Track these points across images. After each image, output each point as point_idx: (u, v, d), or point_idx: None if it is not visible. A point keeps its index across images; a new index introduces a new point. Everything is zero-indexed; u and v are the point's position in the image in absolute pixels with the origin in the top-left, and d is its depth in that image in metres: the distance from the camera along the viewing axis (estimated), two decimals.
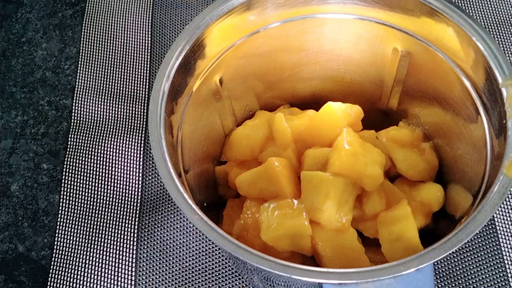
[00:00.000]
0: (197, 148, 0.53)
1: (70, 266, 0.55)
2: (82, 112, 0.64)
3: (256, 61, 0.56)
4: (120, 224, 0.57)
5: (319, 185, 0.48)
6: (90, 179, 0.59)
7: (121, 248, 0.55)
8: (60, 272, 0.55)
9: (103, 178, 0.59)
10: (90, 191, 0.59)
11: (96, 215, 0.57)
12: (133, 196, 0.58)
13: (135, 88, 0.65)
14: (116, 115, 0.63)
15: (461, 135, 0.51)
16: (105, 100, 0.64)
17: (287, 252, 0.49)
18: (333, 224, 0.48)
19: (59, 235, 0.57)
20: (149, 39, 0.68)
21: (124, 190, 0.59)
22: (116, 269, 0.54)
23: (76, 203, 0.58)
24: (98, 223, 0.57)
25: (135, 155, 0.60)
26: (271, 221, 0.48)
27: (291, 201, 0.48)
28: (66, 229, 0.57)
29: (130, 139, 0.61)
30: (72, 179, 0.60)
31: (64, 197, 0.59)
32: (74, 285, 0.54)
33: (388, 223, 0.50)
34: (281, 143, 0.54)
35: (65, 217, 0.58)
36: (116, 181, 0.59)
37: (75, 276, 0.54)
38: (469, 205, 0.45)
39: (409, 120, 0.58)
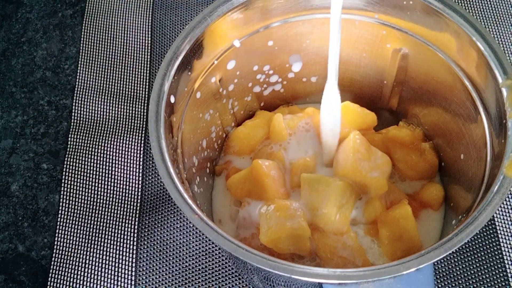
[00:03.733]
0: (197, 148, 0.53)
1: (70, 266, 0.55)
2: (82, 112, 0.64)
3: (256, 61, 0.56)
4: (120, 224, 0.57)
5: (319, 188, 0.48)
6: (90, 179, 0.59)
7: (121, 248, 0.55)
8: (60, 272, 0.55)
9: (103, 178, 0.59)
10: (90, 191, 0.59)
11: (96, 215, 0.57)
12: (133, 196, 0.58)
13: (135, 88, 0.65)
14: (116, 115, 0.63)
15: (461, 135, 0.51)
16: (105, 100, 0.64)
17: (287, 254, 0.50)
18: (333, 227, 0.48)
19: (59, 235, 0.57)
20: (149, 39, 0.68)
21: (124, 190, 0.59)
22: (116, 269, 0.54)
23: (76, 203, 0.58)
24: (98, 223, 0.57)
25: (135, 155, 0.60)
26: (269, 223, 0.48)
27: (289, 203, 0.49)
28: (66, 229, 0.57)
29: (130, 139, 0.61)
30: (72, 179, 0.60)
31: (64, 197, 0.59)
32: (74, 285, 0.54)
33: (389, 223, 0.50)
34: (277, 143, 0.55)
35: (65, 217, 0.58)
36: (116, 181, 0.59)
37: (75, 276, 0.54)
38: (469, 205, 0.45)
39: (409, 120, 0.58)
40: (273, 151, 0.54)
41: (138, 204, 0.58)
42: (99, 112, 0.63)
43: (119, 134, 0.62)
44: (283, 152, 0.54)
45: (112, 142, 0.61)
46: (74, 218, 0.57)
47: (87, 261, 0.55)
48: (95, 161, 0.60)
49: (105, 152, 0.61)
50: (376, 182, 0.49)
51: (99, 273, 0.54)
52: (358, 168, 0.49)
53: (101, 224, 0.57)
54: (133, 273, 0.54)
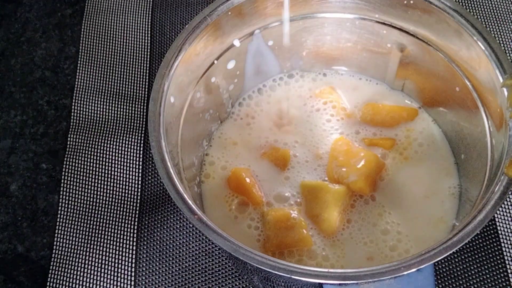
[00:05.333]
0: (197, 148, 0.53)
1: (70, 267, 0.55)
2: (81, 112, 0.64)
3: (256, 61, 0.56)
4: (119, 224, 0.57)
5: (319, 194, 0.49)
6: (90, 179, 0.59)
7: (120, 248, 0.55)
8: (59, 272, 0.55)
9: (103, 178, 0.59)
10: (89, 191, 0.59)
11: (96, 215, 0.57)
12: (132, 196, 0.58)
13: (135, 87, 0.65)
14: (115, 115, 0.63)
15: (462, 135, 0.51)
16: (105, 100, 0.64)
17: None
18: (333, 230, 0.48)
19: (59, 235, 0.57)
20: (149, 38, 0.68)
21: (123, 190, 0.58)
22: (116, 269, 0.54)
23: (76, 203, 0.58)
24: (98, 223, 0.57)
25: (134, 155, 0.60)
26: (270, 235, 0.48)
27: (289, 212, 0.49)
28: (66, 229, 0.57)
29: (130, 139, 0.61)
30: (72, 179, 0.59)
31: (64, 197, 0.59)
32: (73, 285, 0.54)
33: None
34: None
35: (65, 217, 0.57)
36: (115, 181, 0.59)
37: (75, 277, 0.54)
38: (470, 205, 0.45)
39: None
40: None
41: (138, 204, 0.58)
42: (98, 112, 0.63)
43: (119, 134, 0.62)
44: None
45: (111, 142, 0.61)
46: (74, 218, 0.57)
47: (87, 262, 0.55)
48: (95, 161, 0.60)
49: (105, 152, 0.60)
50: (354, 185, 0.50)
51: (99, 274, 0.54)
52: (335, 177, 0.51)
53: (101, 224, 0.57)
54: (133, 273, 0.54)
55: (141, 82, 0.65)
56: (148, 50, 0.67)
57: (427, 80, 0.54)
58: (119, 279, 0.54)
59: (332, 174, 0.51)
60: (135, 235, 0.56)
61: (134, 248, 0.55)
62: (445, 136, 0.54)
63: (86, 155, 0.60)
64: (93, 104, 0.64)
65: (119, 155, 0.60)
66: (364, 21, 0.53)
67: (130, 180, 0.59)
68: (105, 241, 0.56)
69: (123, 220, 0.57)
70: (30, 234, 0.58)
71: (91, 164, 0.60)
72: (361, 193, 0.50)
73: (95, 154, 0.60)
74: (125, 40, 0.68)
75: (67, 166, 0.60)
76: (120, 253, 0.55)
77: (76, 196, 0.59)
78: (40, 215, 0.59)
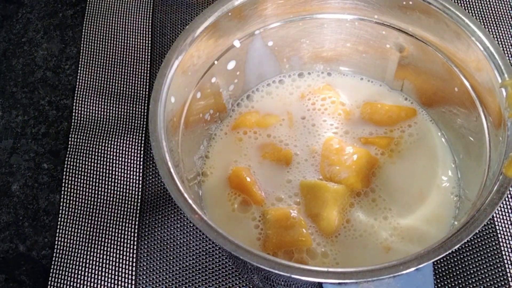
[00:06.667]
0: (198, 148, 0.54)
1: (71, 266, 0.55)
2: (82, 112, 0.64)
3: (256, 61, 0.56)
4: (120, 223, 0.57)
5: (318, 193, 0.49)
6: (91, 179, 0.59)
7: (121, 248, 0.56)
8: (60, 272, 0.55)
9: (104, 178, 0.59)
10: (90, 191, 0.59)
11: (97, 215, 0.58)
12: (133, 196, 0.58)
13: (136, 88, 0.65)
14: (116, 115, 0.63)
15: (461, 135, 0.51)
16: (106, 100, 0.64)
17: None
18: (332, 229, 0.49)
19: (60, 235, 0.57)
20: (150, 39, 0.68)
21: (124, 190, 0.59)
22: (117, 268, 0.55)
23: (77, 203, 0.58)
24: (99, 223, 0.57)
25: (135, 155, 0.60)
26: (269, 234, 0.48)
27: (289, 212, 0.49)
28: (67, 228, 0.57)
29: (131, 139, 0.61)
30: (73, 179, 0.60)
31: (65, 196, 0.59)
32: (75, 284, 0.54)
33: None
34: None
35: (66, 216, 0.58)
36: (116, 181, 0.59)
37: (76, 276, 0.54)
38: (469, 205, 0.45)
39: None
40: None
41: (139, 204, 0.58)
42: (99, 112, 0.64)
43: (120, 134, 0.62)
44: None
45: (112, 142, 0.61)
46: (75, 218, 0.58)
47: (88, 261, 0.55)
48: (96, 161, 0.60)
49: (106, 152, 0.61)
50: (346, 182, 0.50)
51: (100, 273, 0.54)
52: (327, 175, 0.51)
53: (102, 223, 0.57)
54: (134, 273, 0.54)
55: (141, 82, 0.65)
56: (149, 51, 0.67)
57: (426, 80, 0.54)
58: (120, 278, 0.54)
59: (325, 173, 0.51)
60: (136, 235, 0.56)
61: (135, 247, 0.55)
62: (443, 135, 0.54)
63: (87, 155, 0.61)
64: (94, 104, 0.64)
65: (120, 155, 0.60)
66: (363, 22, 0.53)
67: (131, 180, 0.59)
68: (106, 240, 0.56)
69: (124, 220, 0.57)
70: (31, 234, 0.58)
71: (92, 164, 0.60)
72: (354, 189, 0.50)
73: (96, 154, 0.61)
74: (126, 41, 0.68)
75: (68, 166, 0.60)
76: (121, 252, 0.55)
77: (77, 195, 0.59)
78: (41, 215, 0.59)
